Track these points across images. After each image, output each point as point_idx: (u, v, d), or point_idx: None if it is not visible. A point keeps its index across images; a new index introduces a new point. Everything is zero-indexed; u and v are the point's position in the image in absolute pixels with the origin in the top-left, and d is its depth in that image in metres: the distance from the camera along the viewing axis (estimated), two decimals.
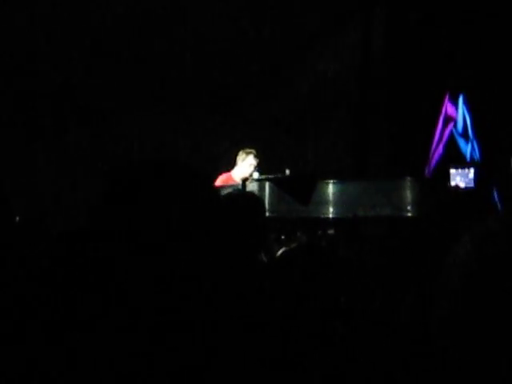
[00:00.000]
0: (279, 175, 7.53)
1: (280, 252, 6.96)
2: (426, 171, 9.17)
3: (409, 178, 7.40)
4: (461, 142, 9.14)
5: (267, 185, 7.34)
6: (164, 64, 10.04)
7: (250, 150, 7.83)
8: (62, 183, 9.47)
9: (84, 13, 9.68)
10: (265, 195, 7.18)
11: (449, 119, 9.24)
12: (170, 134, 10.25)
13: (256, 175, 7.58)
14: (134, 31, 9.87)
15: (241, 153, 7.84)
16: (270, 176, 7.51)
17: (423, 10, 9.72)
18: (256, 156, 7.80)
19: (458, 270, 1.19)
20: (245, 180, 7.37)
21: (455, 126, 9.20)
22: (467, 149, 9.04)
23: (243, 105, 10.33)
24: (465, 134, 9.14)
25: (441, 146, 9.23)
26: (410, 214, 7.13)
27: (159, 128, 10.17)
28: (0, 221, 2.53)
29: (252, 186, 7.28)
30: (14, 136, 9.65)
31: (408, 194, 7.29)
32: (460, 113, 9.17)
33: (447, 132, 9.24)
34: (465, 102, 9.19)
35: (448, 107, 9.29)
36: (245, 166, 7.77)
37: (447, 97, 9.27)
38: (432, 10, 9.61)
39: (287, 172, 7.55)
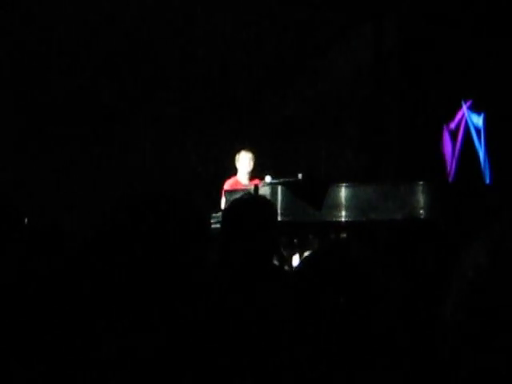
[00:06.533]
0: (292, 179, 7.53)
1: (299, 258, 6.95)
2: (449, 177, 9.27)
3: (421, 182, 7.37)
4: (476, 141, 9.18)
5: (280, 189, 7.34)
6: (176, 68, 10.07)
7: (240, 149, 8.08)
8: (77, 191, 9.54)
9: (104, 22, 9.72)
10: (277, 199, 7.18)
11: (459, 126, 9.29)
12: (181, 138, 10.27)
13: (268, 179, 7.59)
14: (145, 40, 9.93)
15: (236, 156, 8.05)
16: (282, 180, 7.51)
17: (435, 12, 9.68)
18: (247, 150, 8.02)
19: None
20: (256, 184, 7.39)
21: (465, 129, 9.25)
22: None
23: (256, 109, 10.33)
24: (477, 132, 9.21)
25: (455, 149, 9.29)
26: (422, 218, 7.09)
27: (170, 129, 10.20)
28: (9, 222, 2.56)
29: (264, 190, 7.28)
30: (27, 143, 9.71)
31: (420, 198, 7.26)
32: (469, 119, 9.23)
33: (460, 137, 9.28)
34: (470, 108, 9.24)
35: (462, 113, 9.32)
36: (242, 164, 7.97)
37: (464, 104, 9.31)
38: (444, 12, 9.57)
39: (300, 176, 7.55)
